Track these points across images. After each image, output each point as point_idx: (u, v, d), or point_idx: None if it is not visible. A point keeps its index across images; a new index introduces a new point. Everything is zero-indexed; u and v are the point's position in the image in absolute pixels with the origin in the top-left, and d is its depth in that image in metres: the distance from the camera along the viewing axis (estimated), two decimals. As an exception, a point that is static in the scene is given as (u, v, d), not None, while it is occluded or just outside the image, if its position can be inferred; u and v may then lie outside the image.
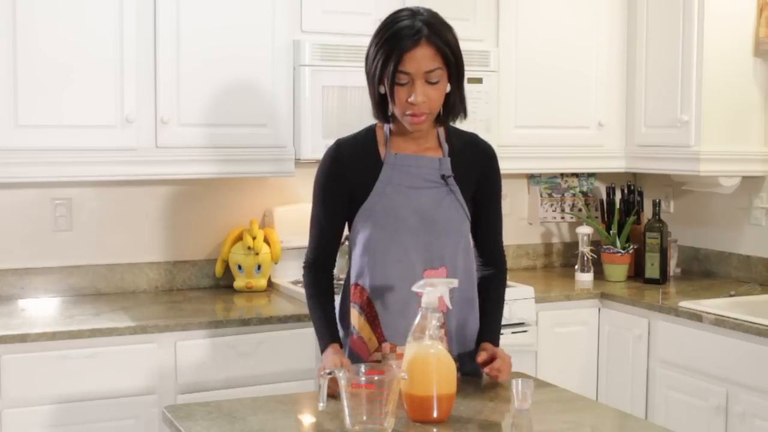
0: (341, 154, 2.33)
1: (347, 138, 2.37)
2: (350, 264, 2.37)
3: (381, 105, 2.28)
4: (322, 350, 2.29)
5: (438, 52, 2.18)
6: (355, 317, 2.33)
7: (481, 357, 2.27)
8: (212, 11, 3.30)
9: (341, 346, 2.31)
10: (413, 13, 2.21)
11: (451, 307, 2.15)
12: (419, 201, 2.27)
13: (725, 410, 3.19)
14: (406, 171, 2.28)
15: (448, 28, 2.23)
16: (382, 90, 2.24)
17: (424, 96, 2.18)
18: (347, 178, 2.31)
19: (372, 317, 2.30)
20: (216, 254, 3.71)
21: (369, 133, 2.35)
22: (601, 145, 4.03)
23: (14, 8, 3.03)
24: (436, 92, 2.21)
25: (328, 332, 2.32)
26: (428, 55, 2.17)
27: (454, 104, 2.28)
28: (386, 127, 2.32)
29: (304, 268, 2.41)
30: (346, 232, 2.40)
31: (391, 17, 2.23)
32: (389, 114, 2.29)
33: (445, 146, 2.33)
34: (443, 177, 2.29)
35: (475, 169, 2.35)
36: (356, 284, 2.33)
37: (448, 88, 2.24)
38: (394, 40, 2.17)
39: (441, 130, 2.35)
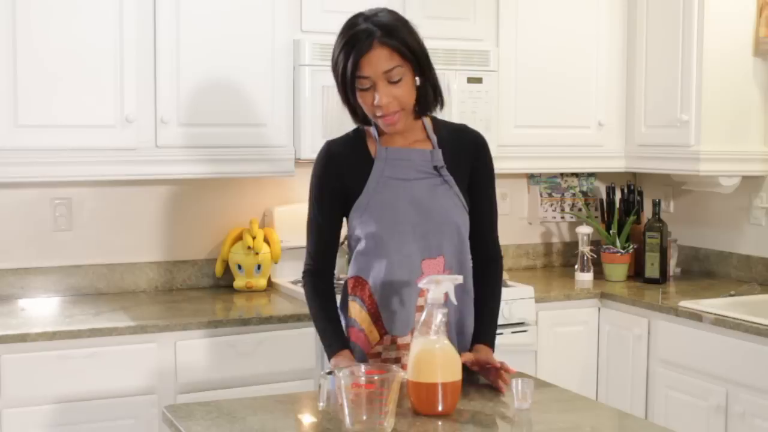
0: (332, 153, 2.34)
1: (336, 138, 2.39)
2: (350, 260, 2.38)
3: (357, 110, 2.29)
4: (331, 356, 2.28)
5: (394, 51, 2.18)
6: (356, 310, 2.33)
7: (466, 357, 2.19)
8: (212, 14, 3.30)
9: (352, 353, 2.30)
10: (367, 17, 2.21)
11: (456, 302, 2.16)
12: (413, 192, 2.28)
13: (725, 410, 3.19)
14: (398, 164, 2.29)
15: (404, 25, 2.22)
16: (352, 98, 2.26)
17: (388, 97, 2.19)
18: (341, 176, 2.31)
19: (373, 310, 2.30)
20: (216, 254, 3.71)
21: (358, 132, 2.37)
22: (601, 145, 4.03)
23: (14, 5, 3.03)
24: (400, 90, 2.20)
25: (337, 338, 2.31)
26: (384, 55, 2.17)
27: (427, 96, 2.27)
28: (373, 126, 2.33)
29: (305, 275, 2.40)
30: (344, 232, 2.40)
31: (347, 23, 2.23)
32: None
33: (433, 137, 2.33)
34: (436, 168, 2.30)
35: (466, 159, 2.34)
36: (358, 277, 2.33)
37: (419, 81, 2.24)
38: (349, 46, 2.19)
39: (427, 122, 2.35)
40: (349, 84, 2.21)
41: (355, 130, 2.38)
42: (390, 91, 2.19)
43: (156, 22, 3.23)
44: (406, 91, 2.21)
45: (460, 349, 2.28)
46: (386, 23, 2.19)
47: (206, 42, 3.29)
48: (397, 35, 2.19)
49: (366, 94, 2.21)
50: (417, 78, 2.23)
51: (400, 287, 2.27)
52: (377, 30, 2.17)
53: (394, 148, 2.30)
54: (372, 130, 2.32)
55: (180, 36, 3.25)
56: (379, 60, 2.17)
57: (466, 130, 2.41)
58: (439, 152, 2.31)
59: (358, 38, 2.17)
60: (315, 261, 2.38)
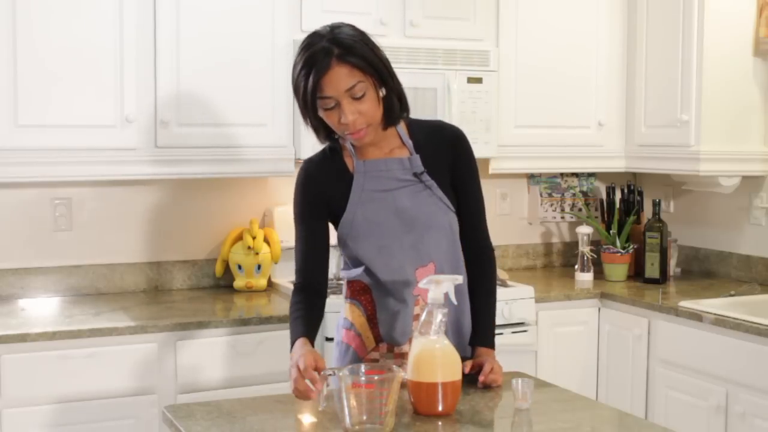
0: (311, 173, 2.33)
1: (313, 157, 2.37)
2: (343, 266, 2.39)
3: (325, 129, 2.26)
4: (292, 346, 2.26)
5: (354, 68, 2.14)
6: (355, 314, 2.33)
7: (468, 367, 2.20)
8: (212, 10, 3.30)
9: (311, 344, 2.27)
10: (323, 35, 2.17)
11: (456, 302, 2.15)
12: (396, 202, 2.27)
13: (725, 410, 3.19)
14: (377, 176, 2.28)
15: (361, 39, 2.18)
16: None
17: (354, 114, 2.15)
18: (322, 194, 2.31)
19: (372, 316, 2.31)
20: (216, 254, 3.71)
21: (333, 148, 2.34)
22: (601, 145, 4.03)
23: (14, 5, 3.03)
24: (365, 105, 2.16)
25: (302, 329, 2.28)
26: (343, 73, 2.13)
27: (392, 107, 2.24)
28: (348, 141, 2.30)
29: (293, 291, 2.38)
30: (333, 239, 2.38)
31: (304, 43, 2.19)
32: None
33: (409, 143, 2.31)
34: (415, 175, 2.28)
35: (444, 157, 2.32)
36: (359, 281, 2.32)
37: (384, 92, 2.20)
38: (308, 67, 2.15)
39: (402, 128, 2.32)
40: (310, 105, 2.18)
41: (330, 147, 2.35)
42: (355, 108, 2.15)
43: (156, 22, 3.23)
44: (371, 105, 2.17)
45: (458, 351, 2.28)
46: (343, 40, 2.15)
47: (206, 42, 3.29)
48: (356, 51, 2.14)
49: (331, 113, 2.17)
50: (381, 89, 2.19)
51: (395, 299, 2.27)
52: (335, 48, 2.13)
53: (371, 160, 2.28)
54: (347, 144, 2.30)
55: (180, 36, 3.25)
56: (340, 78, 2.13)
57: (442, 126, 2.39)
58: (417, 158, 2.29)
59: (316, 58, 2.13)
60: (303, 278, 2.36)
